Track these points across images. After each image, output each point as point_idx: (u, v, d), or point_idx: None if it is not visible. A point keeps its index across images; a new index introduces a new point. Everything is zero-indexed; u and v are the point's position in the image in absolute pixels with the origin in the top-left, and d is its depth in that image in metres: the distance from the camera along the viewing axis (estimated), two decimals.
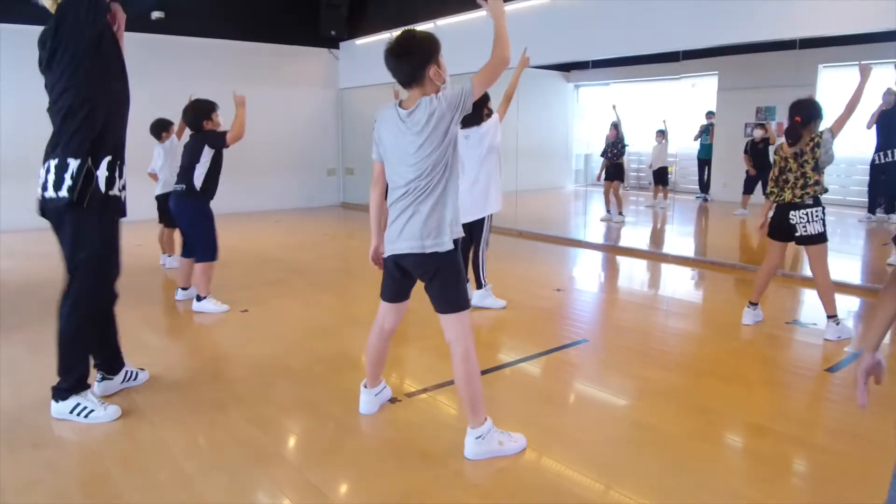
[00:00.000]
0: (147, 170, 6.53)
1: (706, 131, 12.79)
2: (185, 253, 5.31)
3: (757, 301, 4.72)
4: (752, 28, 6.52)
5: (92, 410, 3.08)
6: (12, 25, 8.66)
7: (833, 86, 10.87)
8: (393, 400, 3.36)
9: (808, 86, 11.27)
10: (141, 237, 8.28)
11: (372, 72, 11.53)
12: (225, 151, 4.95)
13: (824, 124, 4.40)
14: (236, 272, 6.49)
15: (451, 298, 2.74)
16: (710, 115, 12.75)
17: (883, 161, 8.67)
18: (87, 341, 3.19)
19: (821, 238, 4.32)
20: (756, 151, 10.07)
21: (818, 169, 4.29)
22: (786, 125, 10.20)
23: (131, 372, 3.54)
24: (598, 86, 15.77)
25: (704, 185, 12.97)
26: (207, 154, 4.86)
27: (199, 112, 4.91)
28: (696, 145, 13.08)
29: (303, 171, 12.19)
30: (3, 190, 8.88)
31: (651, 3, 7.17)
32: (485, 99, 4.62)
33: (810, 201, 4.30)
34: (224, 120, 5.05)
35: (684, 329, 4.95)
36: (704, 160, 12.90)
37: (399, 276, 2.87)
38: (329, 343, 4.41)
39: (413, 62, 2.58)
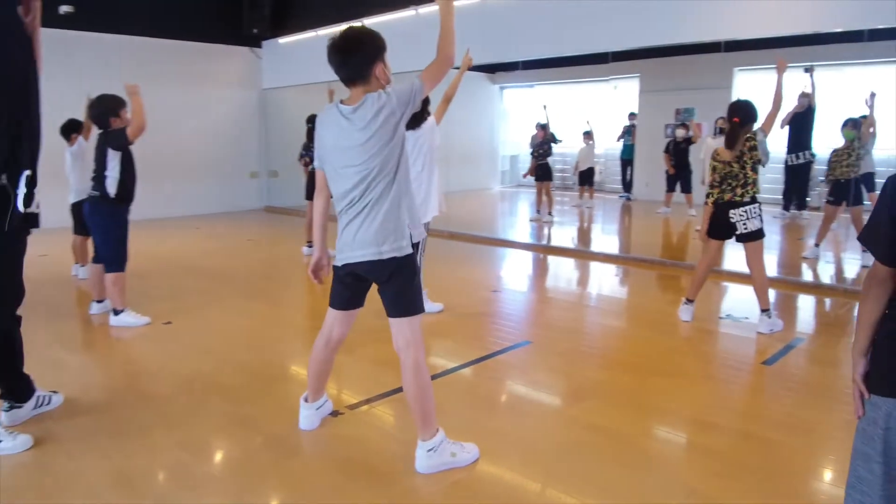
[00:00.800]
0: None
1: (628, 132, 13.08)
2: (97, 259, 4.96)
3: (694, 298, 4.78)
4: (673, 30, 6.65)
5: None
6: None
7: (748, 88, 11.32)
8: (335, 413, 3.19)
9: (725, 88, 11.73)
10: (46, 247, 7.75)
11: (297, 72, 11.22)
12: (142, 154, 4.62)
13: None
14: (157, 282, 6.13)
15: (404, 302, 2.61)
16: (632, 116, 13.05)
17: (794, 162, 9.06)
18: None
19: (759, 234, 4.42)
20: (678, 151, 10.35)
21: (756, 168, 4.37)
22: (706, 127, 10.54)
23: (43, 397, 3.21)
24: (522, 87, 15.94)
25: (627, 185, 13.28)
26: (114, 157, 4.49)
27: (104, 108, 4.52)
28: (620, 146, 13.39)
29: (224, 174, 11.71)
30: None
31: (577, 5, 7.21)
32: (426, 100, 4.50)
33: (748, 199, 4.38)
34: (147, 137, 4.69)
35: (622, 327, 4.97)
36: (627, 160, 13.21)
37: (352, 282, 2.71)
38: (262, 355, 4.18)
39: (359, 58, 2.45)
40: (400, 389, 3.45)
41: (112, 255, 4.65)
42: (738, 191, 4.39)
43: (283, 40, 11.36)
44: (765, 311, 4.49)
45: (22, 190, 2.66)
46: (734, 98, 11.34)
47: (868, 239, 1.63)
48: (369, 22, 9.49)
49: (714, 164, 4.54)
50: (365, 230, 2.51)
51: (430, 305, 4.96)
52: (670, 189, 10.55)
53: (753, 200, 4.40)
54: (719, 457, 2.82)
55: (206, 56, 11.26)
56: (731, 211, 4.41)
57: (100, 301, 5.08)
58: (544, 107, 11.50)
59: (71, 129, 5.97)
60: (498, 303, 5.56)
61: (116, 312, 4.75)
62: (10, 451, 2.78)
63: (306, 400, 3.06)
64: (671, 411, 3.33)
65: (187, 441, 2.95)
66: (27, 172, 2.67)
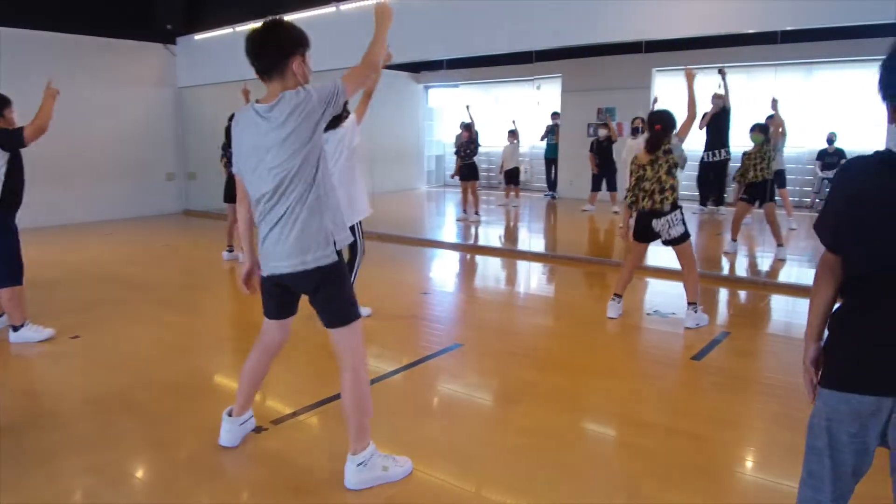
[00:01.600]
0: None
1: (552, 131, 13.25)
2: None
3: (622, 293, 4.82)
4: (593, 30, 6.73)
5: None
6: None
7: (666, 88, 11.64)
8: (258, 429, 3.01)
9: (644, 88, 12.05)
10: None
11: (214, 69, 10.78)
12: (47, 155, 4.27)
13: None
14: (64, 293, 5.72)
15: (338, 310, 2.47)
16: (555, 115, 13.22)
17: (711, 160, 9.35)
18: None
19: (684, 237, 4.49)
20: (601, 150, 10.52)
21: (672, 173, 4.41)
22: (628, 127, 10.73)
23: None
24: (447, 87, 15.91)
25: (552, 184, 13.44)
26: (1, 157, 4.13)
27: None
28: (544, 145, 13.54)
29: (138, 176, 11.12)
30: None
31: (500, 5, 7.20)
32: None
33: (668, 207, 4.43)
34: (53, 140, 4.34)
35: (552, 326, 4.95)
36: (551, 159, 13.38)
37: (280, 292, 2.58)
38: (178, 369, 3.94)
39: (277, 50, 2.32)
40: (327, 400, 3.33)
41: (6, 267, 4.24)
42: (657, 197, 4.43)
43: (198, 37, 10.91)
44: (692, 304, 4.56)
45: None
46: (653, 97, 11.70)
47: (819, 226, 1.65)
48: (289, 18, 9.19)
49: (631, 167, 4.60)
50: (285, 239, 2.36)
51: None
52: (595, 188, 10.71)
53: (674, 207, 4.46)
54: (654, 455, 2.81)
55: (117, 52, 10.67)
56: (654, 220, 4.48)
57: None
58: (467, 107, 11.48)
59: None
60: (428, 305, 5.45)
61: (16, 328, 4.37)
62: None
63: (230, 414, 2.88)
64: (607, 411, 3.32)
65: (97, 466, 2.72)
66: None
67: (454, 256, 7.86)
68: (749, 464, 2.85)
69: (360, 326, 2.51)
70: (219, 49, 10.67)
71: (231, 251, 7.23)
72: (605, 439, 3.08)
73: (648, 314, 4.99)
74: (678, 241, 4.49)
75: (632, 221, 4.71)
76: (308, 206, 2.34)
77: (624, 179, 9.47)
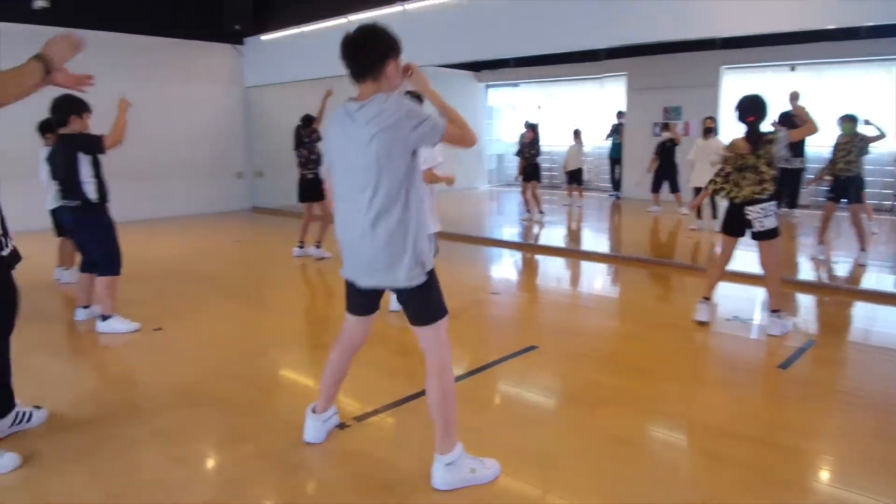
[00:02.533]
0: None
1: (616, 130, 13.02)
2: (85, 267, 4.75)
3: (710, 296, 4.65)
4: (657, 28, 6.55)
5: None
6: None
7: (734, 87, 11.29)
8: (341, 426, 3.02)
9: (712, 86, 11.74)
10: (27, 250, 7.49)
11: (280, 69, 10.99)
12: (124, 154, 4.43)
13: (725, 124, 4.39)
14: (144, 286, 5.90)
15: (424, 310, 2.46)
16: (620, 114, 12.99)
17: (787, 166, 8.99)
18: None
19: (774, 232, 4.30)
20: (664, 151, 10.25)
21: (772, 165, 4.25)
22: (694, 125, 10.38)
23: (23, 413, 2.98)
24: (508, 86, 15.82)
25: (616, 183, 13.22)
26: (84, 161, 4.30)
27: (66, 108, 4.28)
28: (606, 144, 13.32)
29: (209, 174, 11.44)
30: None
31: (565, 3, 7.08)
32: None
33: (766, 196, 4.25)
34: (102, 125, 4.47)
35: (626, 329, 4.84)
36: (615, 159, 13.15)
37: (363, 293, 2.58)
38: (256, 364, 4.00)
39: (373, 53, 2.33)
40: (409, 399, 3.33)
41: (106, 258, 4.47)
42: (756, 188, 4.25)
43: (265, 37, 11.12)
44: (775, 311, 4.39)
45: None
46: (721, 96, 11.34)
47: None
48: (355, 18, 9.30)
49: (728, 154, 4.41)
50: (374, 251, 2.36)
51: None
52: (655, 190, 10.46)
53: (771, 198, 4.27)
54: (743, 467, 2.69)
55: (187, 53, 10.99)
56: (748, 207, 4.29)
57: (86, 307, 4.86)
58: (538, 107, 11.33)
59: (49, 128, 5.71)
60: (499, 306, 5.41)
61: (104, 318, 4.54)
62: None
63: (314, 410, 2.89)
64: (691, 419, 3.20)
65: (185, 458, 2.77)
66: None
67: (518, 256, 7.79)
68: (845, 478, 2.70)
69: (445, 325, 2.49)
70: (284, 49, 10.85)
71: (302, 247, 7.33)
72: (691, 448, 2.97)
73: (728, 320, 4.82)
74: (768, 236, 4.30)
75: (711, 223, 4.53)
76: (399, 220, 2.32)
77: (687, 180, 9.26)
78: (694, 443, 3.01)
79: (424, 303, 2.45)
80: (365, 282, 2.47)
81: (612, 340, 4.55)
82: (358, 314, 2.69)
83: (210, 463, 2.78)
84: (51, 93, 4.84)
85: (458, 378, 3.68)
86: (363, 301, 2.63)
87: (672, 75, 12.20)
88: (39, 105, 6.13)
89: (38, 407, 3.09)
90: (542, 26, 7.31)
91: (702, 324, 4.58)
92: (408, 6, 8.48)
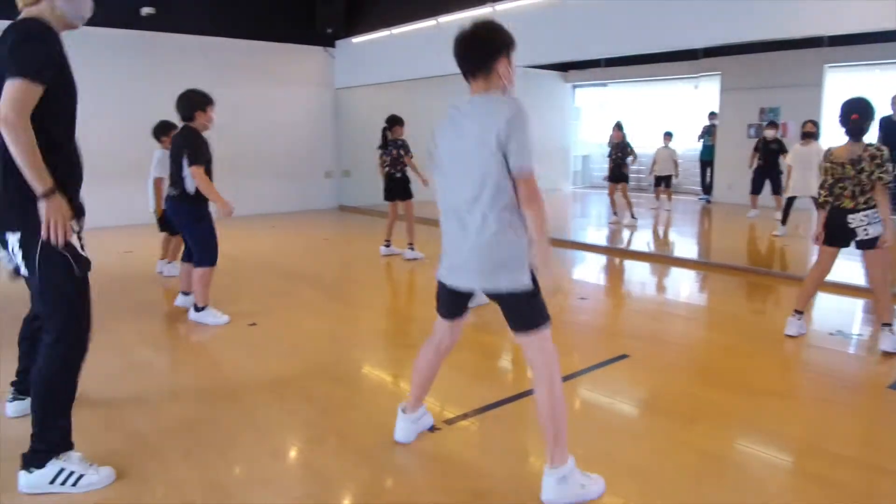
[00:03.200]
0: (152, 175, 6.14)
1: (708, 132, 12.59)
2: (186, 257, 5.00)
3: (803, 310, 4.43)
4: (758, 26, 6.25)
5: (81, 475, 2.46)
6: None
7: (839, 86, 10.69)
8: (432, 428, 3.03)
9: (814, 86, 11.15)
10: (131, 243, 7.92)
11: (369, 71, 11.18)
12: (220, 153, 4.64)
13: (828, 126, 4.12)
14: (237, 281, 6.12)
15: (526, 317, 2.38)
16: (712, 115, 12.55)
17: None
18: (73, 386, 2.51)
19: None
20: (768, 150, 9.73)
21: (882, 178, 3.95)
22: (792, 126, 9.90)
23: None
24: (595, 86, 15.56)
25: (707, 187, 12.77)
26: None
27: (192, 102, 4.54)
28: (697, 146, 12.89)
29: (298, 173, 11.79)
30: None
31: (659, 1, 6.88)
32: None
33: (873, 203, 4.00)
34: (219, 124, 4.66)
35: (721, 340, 4.65)
36: (707, 161, 12.71)
37: (454, 296, 2.57)
38: (346, 361, 4.08)
39: (485, 50, 2.31)
40: (496, 404, 3.31)
41: (201, 250, 4.67)
42: (860, 199, 4.01)
43: (356, 39, 11.35)
44: (887, 325, 4.12)
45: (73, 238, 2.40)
46: (825, 97, 10.74)
47: None
48: (444, 20, 9.35)
49: (826, 165, 4.17)
50: (478, 253, 2.32)
51: None
52: (756, 191, 9.96)
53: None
54: (851, 492, 2.54)
55: (282, 56, 11.35)
56: (851, 216, 4.05)
57: (186, 293, 5.10)
58: (600, 105, 11.03)
59: (162, 132, 6.02)
60: (587, 311, 5.32)
61: (197, 309, 4.74)
62: (95, 486, 2.49)
63: (404, 410, 2.92)
64: (792, 437, 3.04)
65: (280, 451, 2.85)
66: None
67: (605, 260, 7.64)
68: None
69: (549, 332, 2.40)
70: (374, 51, 11.03)
71: (388, 246, 7.43)
72: (794, 469, 2.82)
73: (831, 334, 4.56)
74: (874, 244, 4.02)
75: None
76: (505, 221, 2.27)
77: (784, 187, 8.82)
78: (798, 463, 2.86)
79: (526, 309, 2.37)
80: (465, 284, 2.43)
81: (705, 351, 4.39)
82: (448, 317, 2.68)
83: (307, 459, 2.84)
84: (165, 98, 5.13)
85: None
86: (453, 304, 2.62)
87: (770, 74, 11.66)
88: (153, 110, 6.50)
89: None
90: (635, 26, 7.14)
91: (792, 338, 4.38)
92: (498, 7, 8.45)
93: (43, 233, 2.27)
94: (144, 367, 3.92)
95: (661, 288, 6.49)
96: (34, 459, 2.43)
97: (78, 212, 2.43)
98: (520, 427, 3.17)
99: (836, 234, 4.17)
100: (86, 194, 2.53)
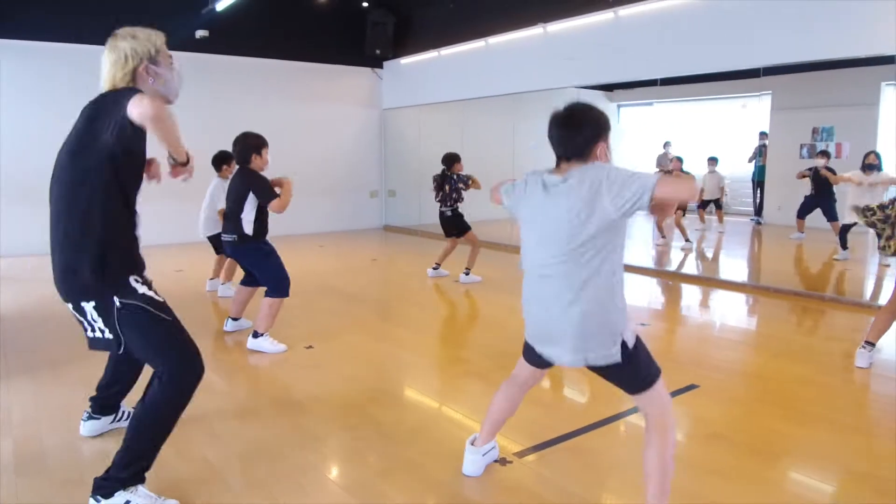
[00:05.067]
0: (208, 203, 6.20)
1: (759, 153, 12.32)
2: (245, 282, 4.97)
3: (875, 342, 4.24)
4: (809, 46, 6.10)
5: None
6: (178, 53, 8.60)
7: None
8: (502, 461, 2.94)
9: (870, 104, 10.83)
10: (182, 262, 8.00)
11: (416, 92, 11.23)
12: (267, 172, 4.63)
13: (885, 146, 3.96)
14: (290, 302, 6.09)
15: (633, 380, 2.34)
16: (763, 135, 12.28)
17: None
18: (172, 425, 2.52)
19: None
20: (819, 179, 9.47)
21: None
22: (847, 147, 9.64)
23: (125, 412, 3.18)
24: (641, 106, 15.38)
25: (758, 208, 12.48)
26: (252, 202, 4.51)
27: (248, 146, 4.54)
28: (749, 167, 12.61)
29: (345, 192, 11.87)
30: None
31: (711, 22, 6.77)
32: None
33: None
34: (269, 145, 4.66)
35: (792, 370, 4.46)
36: (758, 182, 12.43)
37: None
38: (412, 386, 4.03)
39: (584, 135, 2.26)
40: (569, 436, 3.21)
41: (273, 283, 4.66)
42: None
43: (404, 60, 11.42)
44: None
45: (143, 288, 2.41)
46: (881, 115, 10.45)
47: None
48: (493, 41, 9.35)
49: (890, 212, 4.00)
50: (563, 321, 2.24)
51: None
52: (801, 215, 9.70)
53: None
54: None
55: (331, 77, 11.48)
56: None
57: (235, 319, 5.09)
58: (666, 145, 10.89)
59: (222, 161, 6.09)
60: (648, 338, 5.12)
61: (256, 335, 4.68)
62: None
63: (473, 443, 2.84)
64: (879, 478, 2.87)
65: (353, 485, 2.79)
66: (133, 276, 2.41)
67: (656, 283, 7.47)
68: None
69: (661, 385, 2.34)
70: (421, 72, 11.09)
71: (436, 269, 7.39)
72: None
73: None
74: None
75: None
76: (592, 299, 2.19)
77: (842, 215, 8.56)
78: (870, 498, 2.69)
79: (629, 374, 2.32)
80: (552, 355, 2.37)
81: (781, 382, 4.20)
82: (535, 366, 2.59)
83: (381, 489, 2.76)
84: (217, 118, 5.18)
85: (615, 417, 3.52)
86: (542, 360, 2.49)
87: (823, 93, 11.39)
88: (203, 130, 6.59)
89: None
90: (685, 47, 7.05)
91: (862, 369, 4.21)
92: (549, 27, 8.42)
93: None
94: (205, 389, 3.89)
95: (717, 312, 6.30)
96: (104, 488, 2.41)
97: (141, 266, 2.46)
98: (593, 460, 3.06)
99: None
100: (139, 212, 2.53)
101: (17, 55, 8.52)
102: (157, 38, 2.50)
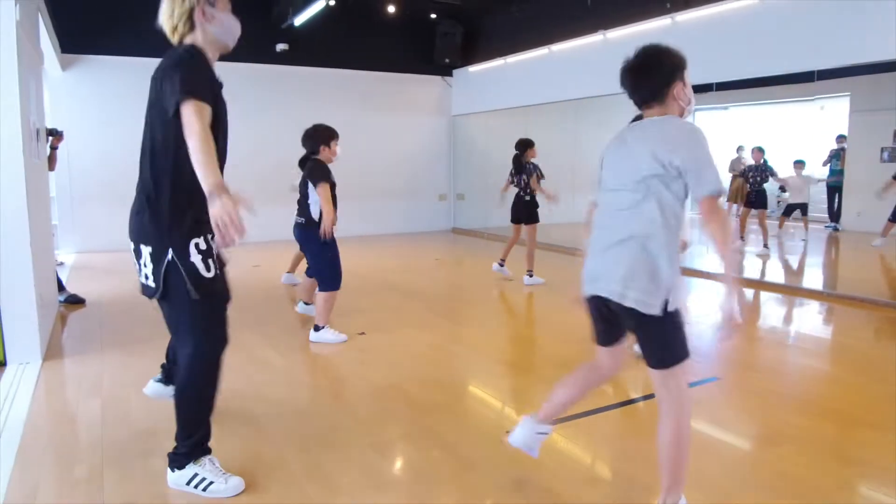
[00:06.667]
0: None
1: (836, 156, 12.00)
2: (310, 273, 5.39)
3: None
4: (887, 45, 6.00)
5: (211, 483, 2.64)
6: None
7: None
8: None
9: None
10: (259, 258, 8.64)
11: (484, 99, 11.61)
12: (343, 174, 4.91)
13: None
14: (355, 295, 6.59)
15: (657, 351, 2.29)
16: (840, 138, 11.97)
17: None
18: (208, 399, 2.71)
19: None
20: None
21: None
22: None
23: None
24: (716, 110, 15.18)
25: (835, 214, 12.15)
26: (314, 191, 4.78)
27: (318, 137, 4.84)
28: (824, 171, 12.29)
29: (415, 196, 12.41)
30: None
31: (777, 23, 6.78)
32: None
33: None
34: (343, 150, 5.02)
35: (827, 370, 4.56)
36: (834, 187, 12.10)
37: (604, 316, 2.42)
38: (449, 371, 4.39)
39: (657, 78, 2.26)
40: (581, 416, 3.48)
41: (324, 274, 4.90)
42: None
43: (472, 69, 11.82)
44: None
45: (196, 258, 2.52)
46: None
47: None
48: (556, 48, 9.61)
49: None
50: (614, 258, 2.26)
51: None
52: (894, 219, 9.34)
53: None
54: None
55: (403, 86, 12.03)
56: None
57: (307, 303, 5.52)
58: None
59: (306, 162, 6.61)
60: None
61: (317, 328, 4.98)
62: (222, 494, 2.64)
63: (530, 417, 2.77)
64: (883, 468, 3.01)
65: (378, 444, 3.18)
66: (195, 240, 2.52)
67: (713, 286, 7.53)
68: None
69: (682, 372, 2.28)
70: (489, 79, 11.45)
71: (501, 265, 7.62)
72: (874, 497, 2.80)
73: None
74: None
75: None
76: (650, 238, 2.20)
77: None
78: (882, 493, 2.84)
79: (659, 340, 2.27)
80: (595, 288, 2.32)
81: (806, 380, 4.32)
82: (602, 344, 2.52)
83: (402, 449, 3.15)
84: (294, 126, 5.69)
85: (633, 401, 3.77)
86: (603, 328, 2.48)
87: None
88: (280, 137, 7.11)
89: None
90: (757, 47, 7.04)
91: None
92: (609, 34, 8.62)
93: (218, 239, 2.18)
94: (267, 366, 4.38)
95: (771, 317, 6.34)
96: (175, 461, 2.67)
97: (208, 228, 2.41)
98: (603, 439, 3.33)
99: None
100: None
101: (91, 68, 9.43)
102: None
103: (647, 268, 2.19)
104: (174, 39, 2.55)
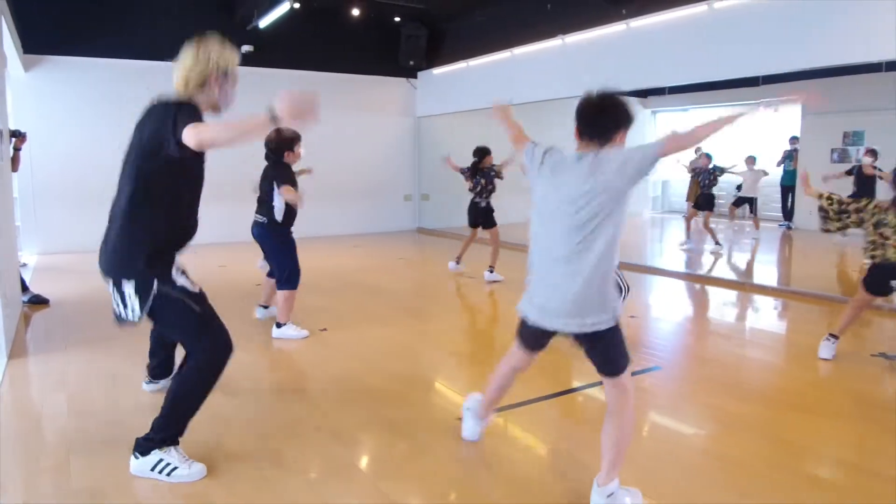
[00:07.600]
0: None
1: (789, 157, 12.43)
2: (270, 274, 5.51)
3: (839, 335, 4.55)
4: (837, 51, 6.33)
5: (175, 468, 2.79)
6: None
7: None
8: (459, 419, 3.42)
9: None
10: (225, 258, 8.70)
11: (448, 100, 11.80)
12: (307, 179, 5.03)
13: None
14: (318, 293, 6.72)
15: (611, 361, 2.57)
16: (793, 140, 12.40)
17: None
18: (201, 402, 2.88)
19: None
20: (862, 178, 9.51)
21: None
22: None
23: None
24: (675, 111, 15.58)
25: (788, 213, 12.58)
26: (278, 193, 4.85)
27: (281, 142, 4.89)
28: (779, 171, 12.71)
29: (380, 196, 12.55)
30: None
31: (730, 28, 7.09)
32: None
33: None
34: (308, 151, 5.13)
35: (764, 359, 4.83)
36: (788, 187, 12.53)
37: (542, 335, 2.69)
38: (408, 364, 4.57)
39: (613, 120, 2.52)
40: (526, 403, 3.68)
41: (284, 274, 4.99)
42: None
43: (436, 71, 12.00)
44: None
45: (181, 279, 2.75)
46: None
47: None
48: (517, 51, 9.83)
49: (873, 209, 4.17)
50: (564, 293, 2.47)
51: None
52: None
53: None
54: (861, 498, 2.73)
55: (368, 87, 12.16)
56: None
57: (265, 307, 5.66)
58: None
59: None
60: (633, 328, 5.57)
61: (279, 325, 5.10)
62: (185, 479, 2.79)
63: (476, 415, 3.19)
64: (808, 447, 3.24)
65: (334, 429, 3.34)
66: (175, 265, 2.75)
67: (671, 284, 7.81)
68: None
69: (629, 374, 2.59)
70: (453, 82, 11.64)
71: (457, 263, 7.92)
72: (800, 472, 3.01)
73: (873, 356, 4.66)
74: None
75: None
76: (595, 266, 2.42)
77: None
78: (807, 469, 3.05)
79: (611, 352, 2.54)
80: (552, 325, 2.55)
81: (744, 370, 4.56)
82: (529, 350, 2.84)
83: (357, 436, 3.31)
84: None
85: (578, 388, 3.98)
86: (538, 342, 2.77)
87: (853, 98, 11.45)
88: (258, 147, 7.21)
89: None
90: (710, 53, 7.32)
91: (824, 361, 4.52)
92: (567, 39, 8.86)
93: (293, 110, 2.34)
94: (234, 366, 4.48)
95: (718, 311, 6.62)
96: (142, 447, 2.80)
97: (177, 266, 2.74)
98: (551, 423, 3.53)
99: (879, 286, 4.33)
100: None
101: (54, 69, 9.30)
102: (235, 58, 2.82)
103: (600, 292, 2.45)
104: (180, 89, 2.73)
